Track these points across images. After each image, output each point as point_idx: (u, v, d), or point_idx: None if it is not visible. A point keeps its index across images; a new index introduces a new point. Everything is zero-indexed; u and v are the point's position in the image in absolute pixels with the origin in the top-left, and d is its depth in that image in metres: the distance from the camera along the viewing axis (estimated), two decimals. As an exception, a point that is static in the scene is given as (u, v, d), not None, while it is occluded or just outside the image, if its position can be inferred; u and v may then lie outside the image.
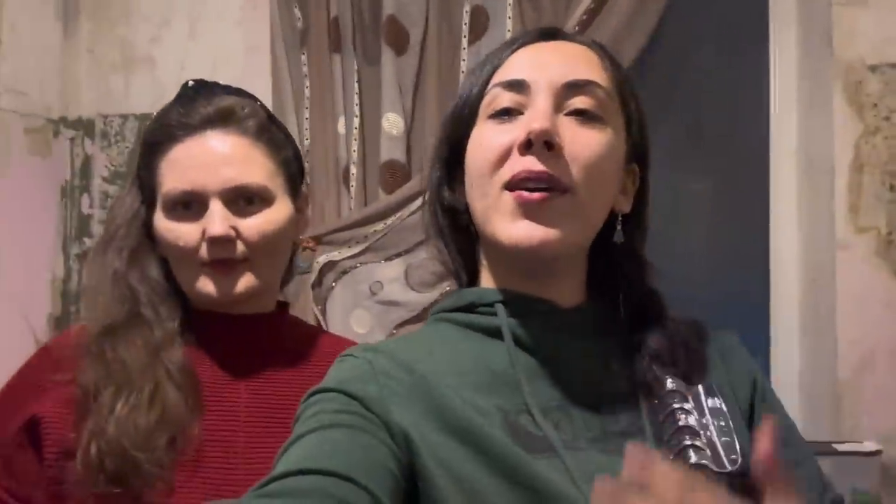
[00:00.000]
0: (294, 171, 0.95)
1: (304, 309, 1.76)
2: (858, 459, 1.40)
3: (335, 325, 1.73)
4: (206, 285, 0.87)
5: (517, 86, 0.69)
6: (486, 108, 0.70)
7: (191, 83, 0.94)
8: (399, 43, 1.75)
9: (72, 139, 2.03)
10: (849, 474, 1.38)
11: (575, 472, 0.61)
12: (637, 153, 0.74)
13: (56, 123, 2.02)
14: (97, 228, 2.01)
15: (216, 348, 0.91)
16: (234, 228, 0.87)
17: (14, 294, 1.88)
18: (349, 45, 1.78)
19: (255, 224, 0.88)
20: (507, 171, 0.66)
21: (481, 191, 0.69)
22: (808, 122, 1.65)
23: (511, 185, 0.66)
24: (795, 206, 1.66)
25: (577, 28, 1.62)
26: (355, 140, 1.77)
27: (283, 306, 1.00)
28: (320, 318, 1.77)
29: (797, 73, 1.66)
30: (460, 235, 0.75)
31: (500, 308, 0.70)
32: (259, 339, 0.93)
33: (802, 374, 1.63)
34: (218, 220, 0.85)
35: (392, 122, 1.74)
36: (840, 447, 1.41)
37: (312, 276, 1.77)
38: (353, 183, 1.76)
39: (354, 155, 1.76)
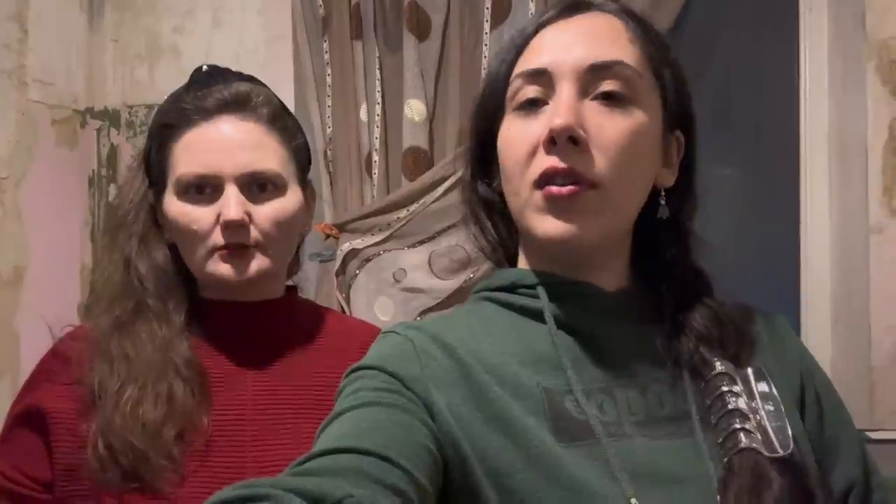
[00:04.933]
0: (304, 161, 0.95)
1: (329, 296, 1.76)
2: (893, 448, 1.37)
3: (359, 313, 1.73)
4: (219, 268, 0.87)
5: (539, 75, 0.66)
6: (510, 100, 0.69)
7: (204, 68, 0.94)
8: (421, 29, 1.74)
9: (98, 129, 2.05)
10: (883, 462, 1.35)
11: (614, 462, 0.59)
12: (679, 121, 0.70)
13: (83, 114, 2.04)
14: (124, 218, 2.04)
15: (224, 338, 0.90)
16: (248, 214, 0.86)
17: (44, 283, 1.91)
18: (371, 32, 1.77)
19: (268, 211, 0.88)
20: (536, 170, 0.65)
21: (514, 189, 0.68)
22: (840, 104, 1.61)
23: (539, 183, 0.65)
24: (827, 190, 1.63)
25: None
26: (377, 127, 1.76)
27: (291, 290, 0.99)
28: (344, 305, 1.77)
29: (829, 54, 1.62)
30: (497, 221, 0.74)
31: (541, 291, 0.68)
32: (268, 326, 0.92)
33: (835, 362, 1.60)
34: (234, 204, 0.85)
35: (414, 109, 1.73)
36: (875, 435, 1.38)
37: (336, 264, 1.77)
38: (375, 170, 1.75)
39: (377, 142, 1.76)
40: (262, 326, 0.92)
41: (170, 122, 0.90)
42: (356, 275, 1.78)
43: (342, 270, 1.78)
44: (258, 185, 0.88)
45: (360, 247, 1.77)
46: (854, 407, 1.53)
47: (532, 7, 1.68)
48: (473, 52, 1.73)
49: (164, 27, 2.00)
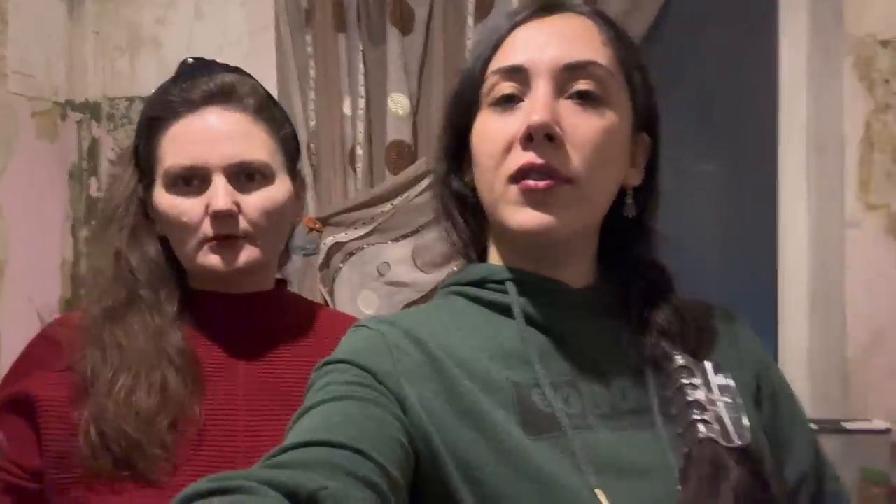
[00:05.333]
0: (292, 150, 0.95)
1: (312, 290, 1.76)
2: (868, 438, 1.41)
3: (343, 306, 1.74)
4: (208, 259, 0.87)
5: (515, 72, 0.68)
6: (486, 96, 0.70)
7: (190, 60, 0.94)
8: (404, 22, 1.74)
9: (79, 122, 2.03)
10: (858, 453, 1.39)
11: (580, 454, 0.61)
12: (646, 123, 0.73)
13: (63, 106, 2.02)
14: (105, 211, 2.03)
15: (215, 328, 0.90)
16: (237, 204, 0.87)
17: (24, 277, 1.90)
18: (354, 25, 1.77)
19: (257, 201, 0.88)
20: (511, 165, 0.66)
21: (488, 184, 0.69)
22: (817, 99, 1.63)
23: (515, 178, 0.66)
24: (804, 183, 1.65)
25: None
26: (361, 121, 1.76)
27: (281, 283, 1.00)
28: (328, 298, 1.77)
29: (807, 49, 1.64)
30: (468, 216, 0.76)
31: (510, 286, 0.70)
32: (259, 318, 0.93)
33: (811, 352, 1.63)
34: (222, 194, 0.85)
35: (398, 103, 1.73)
36: (849, 426, 1.41)
37: (320, 258, 1.78)
38: (359, 164, 1.75)
39: (360, 136, 1.76)
40: (254, 319, 0.93)
41: (156, 114, 0.90)
42: (339, 268, 1.78)
43: (326, 264, 1.78)
44: (246, 175, 0.88)
45: (344, 240, 1.77)
46: (829, 397, 1.57)
47: (515, 2, 1.69)
48: (457, 46, 1.73)
49: (146, 18, 1.99)
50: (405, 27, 1.75)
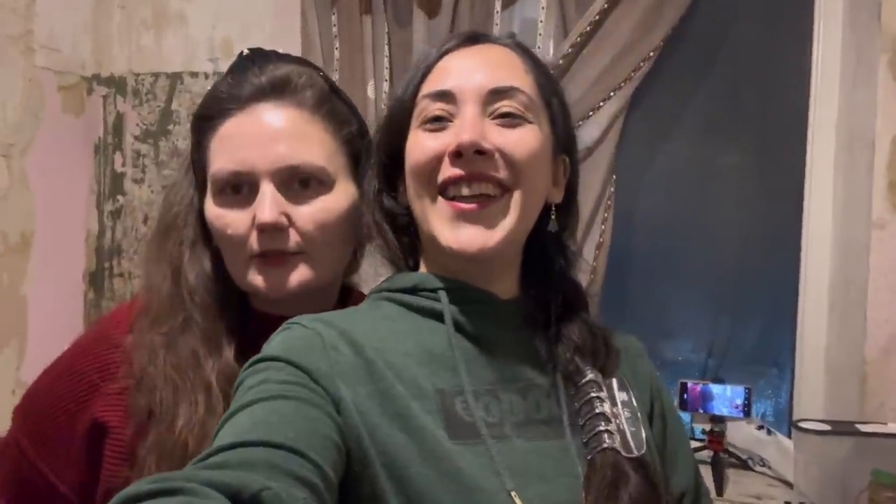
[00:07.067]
0: (358, 150, 0.83)
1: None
2: (882, 441, 1.40)
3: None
4: (255, 278, 0.78)
5: (444, 96, 0.72)
6: (417, 117, 0.74)
7: (245, 52, 0.84)
8: (431, 5, 1.72)
9: (104, 97, 2.04)
10: (872, 455, 1.38)
11: (498, 460, 0.65)
12: (564, 145, 0.78)
13: (89, 81, 2.03)
14: (129, 186, 2.04)
15: None
16: (287, 216, 0.77)
17: (51, 249, 1.93)
18: (380, 7, 1.75)
19: (310, 212, 0.78)
20: (441, 178, 0.70)
21: (419, 197, 0.73)
22: (850, 96, 1.60)
23: (446, 191, 0.70)
24: (832, 181, 1.62)
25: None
26: (385, 104, 1.75)
27: (347, 294, 0.89)
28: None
29: (842, 45, 1.60)
30: (399, 231, 0.78)
31: (442, 294, 0.73)
32: None
33: (829, 352, 1.62)
34: (268, 205, 0.75)
35: (422, 87, 1.72)
36: (864, 428, 1.40)
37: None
38: (381, 148, 1.75)
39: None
40: None
41: (206, 113, 0.81)
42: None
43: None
44: (300, 182, 0.78)
45: (365, 224, 1.77)
46: (844, 398, 1.57)
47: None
48: (484, 30, 1.71)
49: (172, -6, 1.98)
50: (431, 10, 1.73)
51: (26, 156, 1.85)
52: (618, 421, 0.70)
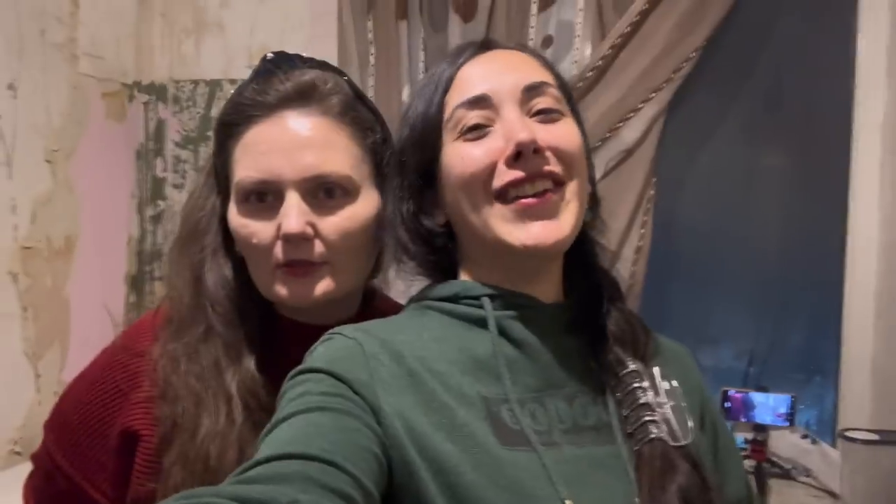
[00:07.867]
0: (382, 157, 0.82)
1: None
2: (931, 451, 1.36)
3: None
4: (280, 289, 0.77)
5: (480, 101, 0.71)
6: (452, 129, 0.71)
7: (269, 55, 0.82)
8: (467, 9, 1.72)
9: (146, 104, 2.08)
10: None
11: (550, 468, 0.64)
12: (583, 136, 0.78)
13: (131, 88, 2.07)
14: (170, 191, 2.08)
15: (296, 360, 0.75)
16: (313, 226, 0.76)
17: (94, 252, 1.97)
18: (416, 12, 1.76)
19: (336, 222, 0.77)
20: (499, 183, 0.69)
21: (474, 208, 0.70)
22: (897, 96, 1.56)
23: (505, 195, 0.69)
24: (878, 183, 1.58)
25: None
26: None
27: (368, 300, 0.89)
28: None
29: (888, 43, 1.57)
30: (435, 251, 0.76)
31: (486, 301, 0.72)
32: None
33: (875, 358, 1.58)
34: (294, 215, 0.75)
35: (458, 91, 1.72)
36: (912, 438, 1.37)
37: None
38: (417, 152, 1.75)
39: (419, 123, 1.75)
40: None
41: (229, 119, 0.80)
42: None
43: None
44: (325, 191, 0.77)
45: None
46: (891, 406, 1.52)
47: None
48: (520, 35, 1.71)
49: (210, 2, 2.01)
50: (467, 14, 1.73)
51: (70, 161, 1.89)
52: (663, 410, 0.69)
